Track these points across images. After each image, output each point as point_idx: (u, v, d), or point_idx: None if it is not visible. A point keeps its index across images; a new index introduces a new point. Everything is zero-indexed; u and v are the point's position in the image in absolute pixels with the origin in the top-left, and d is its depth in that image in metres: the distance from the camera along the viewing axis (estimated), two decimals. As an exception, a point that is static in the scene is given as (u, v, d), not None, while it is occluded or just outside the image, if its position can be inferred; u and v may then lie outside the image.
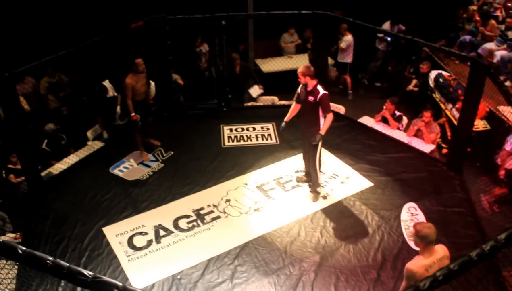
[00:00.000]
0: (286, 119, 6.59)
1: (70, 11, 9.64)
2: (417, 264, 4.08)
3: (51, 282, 5.44)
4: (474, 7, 10.75)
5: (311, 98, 6.17)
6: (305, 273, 5.60)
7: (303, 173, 7.05)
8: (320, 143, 6.33)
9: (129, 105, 7.24)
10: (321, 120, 6.25)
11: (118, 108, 8.53)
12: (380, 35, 10.78)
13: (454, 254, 5.58)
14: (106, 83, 8.98)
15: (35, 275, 5.45)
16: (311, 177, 6.75)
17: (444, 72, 9.19)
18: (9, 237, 6.40)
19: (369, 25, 7.74)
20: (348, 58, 10.46)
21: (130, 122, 7.44)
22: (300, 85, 6.34)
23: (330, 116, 6.18)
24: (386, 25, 10.67)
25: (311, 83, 6.17)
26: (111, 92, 8.96)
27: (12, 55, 8.23)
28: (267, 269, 5.67)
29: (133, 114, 7.25)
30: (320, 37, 8.40)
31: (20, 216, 6.73)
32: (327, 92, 6.17)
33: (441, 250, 4.19)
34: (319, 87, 6.16)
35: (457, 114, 7.83)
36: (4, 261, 5.16)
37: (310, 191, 6.79)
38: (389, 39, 10.74)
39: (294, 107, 6.58)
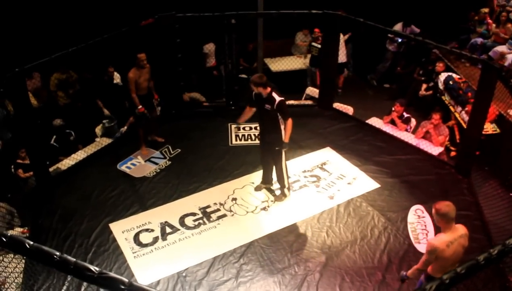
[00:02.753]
0: (239, 120, 6.64)
1: (80, 8, 9.66)
2: (439, 240, 4.26)
3: (58, 277, 5.48)
4: (486, 10, 10.67)
5: (267, 106, 6.09)
6: (310, 273, 5.60)
7: (260, 180, 6.98)
8: (283, 150, 6.33)
9: (134, 98, 7.29)
10: (281, 126, 6.19)
11: (106, 111, 8.72)
12: (390, 35, 10.72)
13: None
14: (115, 73, 9.38)
15: (41, 269, 5.50)
16: (278, 182, 6.69)
17: (454, 75, 9.13)
18: (17, 231, 6.43)
19: (380, 26, 7.70)
20: (341, 58, 10.41)
21: (137, 115, 7.47)
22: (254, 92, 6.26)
23: (290, 122, 6.13)
24: (398, 26, 10.61)
25: (265, 91, 6.07)
26: (118, 80, 9.32)
27: (21, 51, 8.26)
28: (272, 268, 5.68)
29: (140, 106, 7.30)
30: (330, 38, 8.37)
31: (28, 210, 6.76)
32: (283, 99, 6.08)
33: (461, 228, 4.37)
34: (274, 94, 6.07)
35: (466, 117, 7.78)
36: (12, 255, 5.18)
37: (278, 195, 6.76)
38: (399, 40, 10.68)
39: (247, 110, 6.54)
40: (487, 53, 9.60)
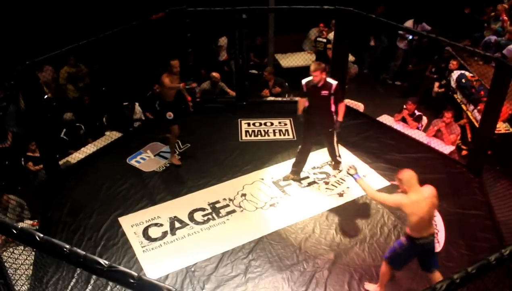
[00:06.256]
0: (299, 112, 6.71)
1: (92, 1, 9.69)
2: (409, 197, 4.66)
3: (67, 269, 5.51)
4: (506, 5, 10.51)
5: (324, 92, 6.30)
6: (319, 270, 5.59)
7: (290, 171, 7.06)
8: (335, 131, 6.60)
9: (179, 87, 7.14)
10: (332, 107, 6.42)
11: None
12: (401, 32, 10.62)
13: (471, 257, 5.56)
14: (136, 106, 8.82)
15: (51, 262, 5.53)
16: (331, 155, 6.92)
17: (467, 73, 9.05)
18: (26, 223, 6.48)
19: (392, 22, 7.63)
20: None
21: (167, 120, 7.22)
22: (306, 81, 6.42)
23: (344, 104, 6.53)
24: (409, 23, 10.52)
25: (324, 78, 6.28)
26: (139, 115, 8.84)
27: (32, 44, 8.30)
28: (281, 265, 5.67)
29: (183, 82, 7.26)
30: (342, 34, 8.31)
31: (38, 203, 6.81)
32: (337, 82, 6.37)
33: (427, 190, 4.77)
34: (329, 80, 6.32)
35: (478, 116, 7.71)
36: (22, 247, 5.21)
37: (334, 164, 7.02)
38: (410, 37, 10.58)
39: (302, 102, 6.68)
40: (501, 51, 9.50)
